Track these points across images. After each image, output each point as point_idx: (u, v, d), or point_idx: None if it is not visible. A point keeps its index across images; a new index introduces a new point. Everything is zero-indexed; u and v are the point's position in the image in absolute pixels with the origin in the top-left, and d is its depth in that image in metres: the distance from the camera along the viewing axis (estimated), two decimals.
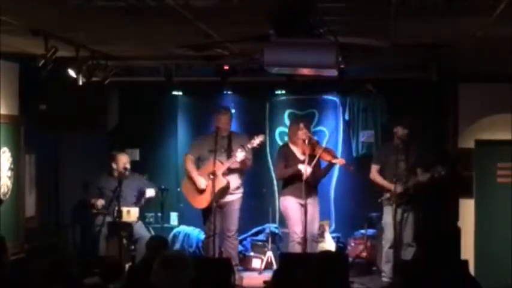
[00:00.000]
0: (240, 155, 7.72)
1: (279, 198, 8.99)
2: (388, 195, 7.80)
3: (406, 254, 7.74)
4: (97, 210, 8.15)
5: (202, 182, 7.85)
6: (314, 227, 7.94)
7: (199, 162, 8.01)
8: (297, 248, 7.69)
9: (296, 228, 7.76)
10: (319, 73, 5.81)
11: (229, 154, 7.86)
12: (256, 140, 7.81)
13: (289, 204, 7.86)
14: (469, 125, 8.49)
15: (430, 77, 7.73)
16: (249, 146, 7.78)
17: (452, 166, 8.23)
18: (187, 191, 8.09)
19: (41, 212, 8.32)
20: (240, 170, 7.99)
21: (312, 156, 7.72)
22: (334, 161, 7.83)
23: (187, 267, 3.64)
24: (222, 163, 7.82)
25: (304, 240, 7.62)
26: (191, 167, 7.99)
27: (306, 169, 7.57)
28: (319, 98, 9.54)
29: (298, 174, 7.68)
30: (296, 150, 7.89)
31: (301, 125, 7.87)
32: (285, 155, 7.94)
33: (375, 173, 7.97)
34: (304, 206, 7.61)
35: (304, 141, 7.74)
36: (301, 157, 7.77)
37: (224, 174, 7.84)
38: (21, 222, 7.83)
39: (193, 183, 7.93)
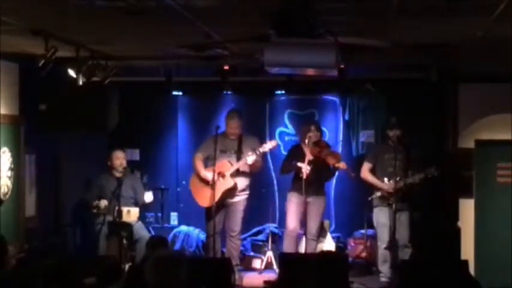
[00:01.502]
0: (250, 158, 7.77)
1: (279, 198, 9.09)
2: (379, 193, 7.82)
3: (402, 255, 7.73)
4: (99, 211, 8.14)
5: (209, 175, 7.82)
6: (313, 225, 8.00)
7: (207, 162, 8.01)
8: (287, 243, 7.97)
9: (289, 223, 8.02)
10: (319, 73, 5.82)
11: (239, 156, 7.90)
12: (268, 145, 7.91)
13: (290, 199, 8.06)
14: (469, 125, 8.48)
15: (430, 77, 7.73)
16: (261, 149, 7.84)
17: (453, 166, 8.22)
18: (193, 188, 8.13)
19: (41, 212, 8.33)
20: (249, 173, 8.03)
21: (318, 158, 7.85)
22: (337, 165, 7.92)
23: (180, 267, 3.55)
24: (231, 164, 7.85)
25: (296, 238, 7.84)
26: (199, 164, 8.00)
27: (306, 168, 7.70)
28: (319, 98, 9.53)
29: (300, 172, 7.80)
30: (307, 150, 7.98)
31: (312, 127, 8.01)
32: (294, 153, 8.09)
33: (366, 171, 7.98)
34: (304, 204, 7.75)
35: (313, 142, 7.89)
36: (310, 157, 7.88)
37: (232, 175, 7.87)
38: (21, 222, 7.83)
39: (200, 180, 7.96)
